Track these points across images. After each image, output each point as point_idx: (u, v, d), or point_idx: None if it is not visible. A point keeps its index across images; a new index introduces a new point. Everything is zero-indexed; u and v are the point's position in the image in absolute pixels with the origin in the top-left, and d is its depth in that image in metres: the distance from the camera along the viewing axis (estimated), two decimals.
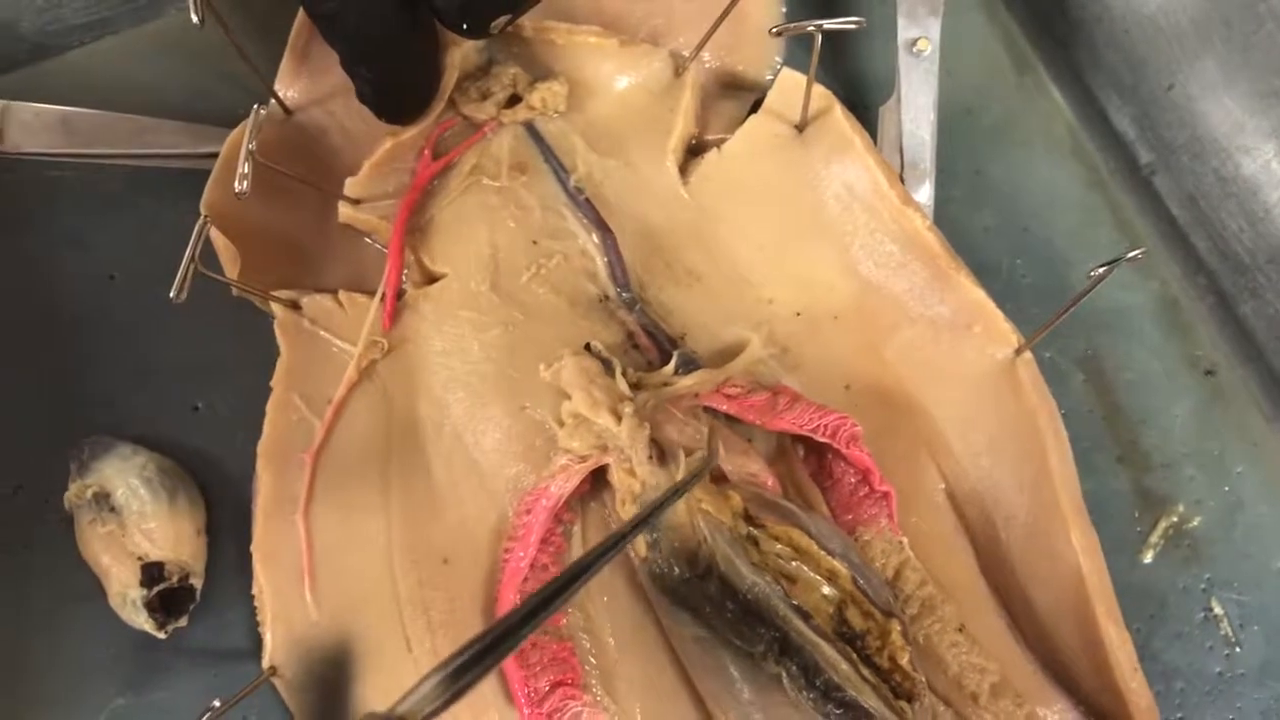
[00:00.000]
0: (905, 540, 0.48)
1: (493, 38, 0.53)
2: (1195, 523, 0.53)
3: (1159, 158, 0.57)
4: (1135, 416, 0.54)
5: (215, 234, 0.49)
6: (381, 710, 0.27)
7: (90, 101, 0.54)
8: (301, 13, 0.53)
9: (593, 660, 0.47)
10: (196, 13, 0.45)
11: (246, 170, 0.45)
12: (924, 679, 0.43)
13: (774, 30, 0.47)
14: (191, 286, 0.43)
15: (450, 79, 0.52)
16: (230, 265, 0.50)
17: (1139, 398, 0.54)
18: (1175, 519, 0.53)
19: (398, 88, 0.49)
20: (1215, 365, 0.55)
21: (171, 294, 0.43)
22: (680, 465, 0.45)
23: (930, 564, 0.48)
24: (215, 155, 0.52)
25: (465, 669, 0.28)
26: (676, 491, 0.40)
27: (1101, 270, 0.42)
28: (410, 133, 0.52)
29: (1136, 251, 0.43)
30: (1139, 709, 0.45)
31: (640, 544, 0.45)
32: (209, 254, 0.47)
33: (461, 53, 0.53)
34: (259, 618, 0.49)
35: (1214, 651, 0.51)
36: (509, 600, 0.46)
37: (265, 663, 0.48)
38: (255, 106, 0.47)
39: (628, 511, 0.46)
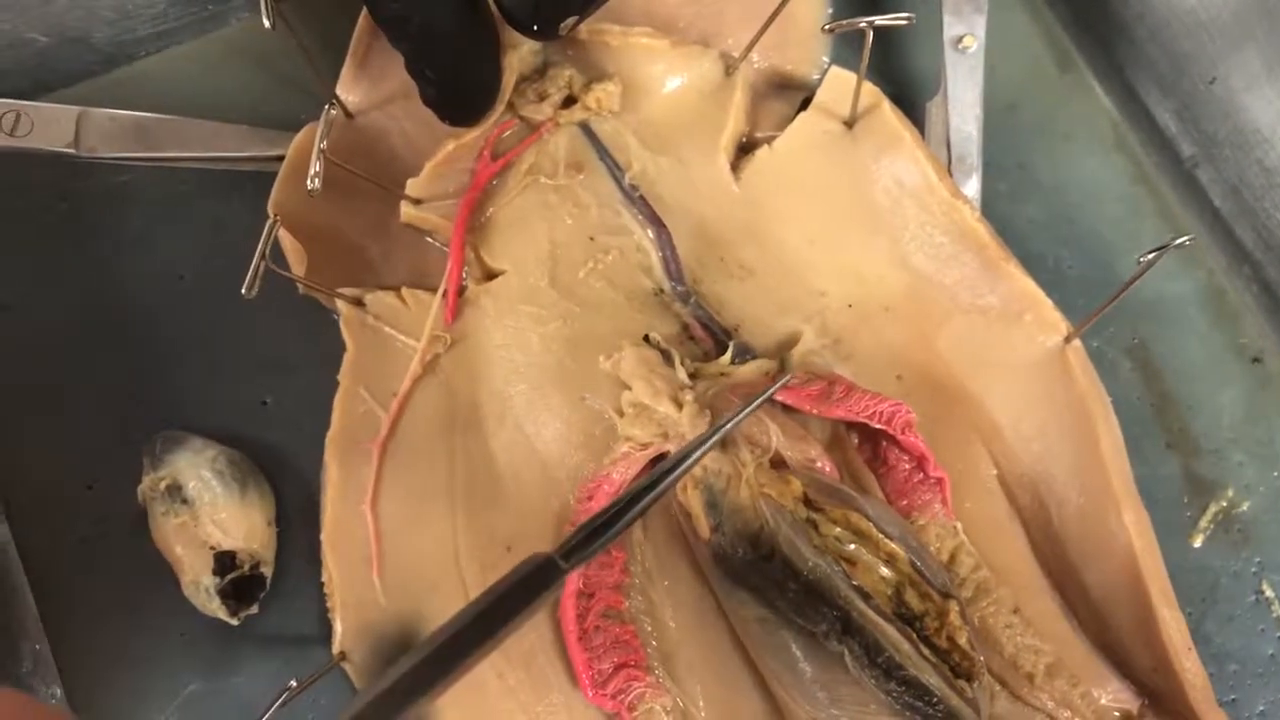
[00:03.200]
0: (959, 525, 0.49)
1: (551, 41, 0.55)
2: (1245, 507, 0.53)
3: (1202, 150, 0.57)
4: (1183, 404, 0.55)
5: (282, 233, 0.50)
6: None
7: (159, 107, 0.56)
8: (362, 19, 0.55)
9: (654, 643, 0.48)
10: (268, 17, 0.47)
11: (318, 169, 0.47)
12: (982, 659, 0.44)
13: (826, 28, 0.48)
14: (260, 284, 0.45)
15: (509, 81, 0.53)
16: (297, 264, 0.51)
17: (1187, 385, 0.55)
18: (1225, 504, 0.53)
19: (461, 90, 0.50)
20: (1262, 352, 0.55)
21: (243, 290, 0.45)
22: (741, 450, 0.46)
23: (984, 548, 0.49)
24: (280, 158, 0.53)
25: (605, 526, 0.37)
26: (721, 429, 0.42)
27: (1151, 256, 0.43)
28: (471, 135, 0.53)
29: (1185, 238, 0.44)
30: (1193, 688, 0.46)
31: (703, 526, 0.46)
32: (276, 253, 0.48)
33: (519, 55, 0.55)
34: (328, 605, 0.50)
35: (1266, 634, 0.52)
36: (573, 585, 0.47)
37: (335, 648, 0.49)
38: (326, 107, 0.48)
39: (689, 496, 0.47)
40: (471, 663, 0.34)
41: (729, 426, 0.42)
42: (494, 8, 0.48)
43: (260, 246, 0.46)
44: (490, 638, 0.34)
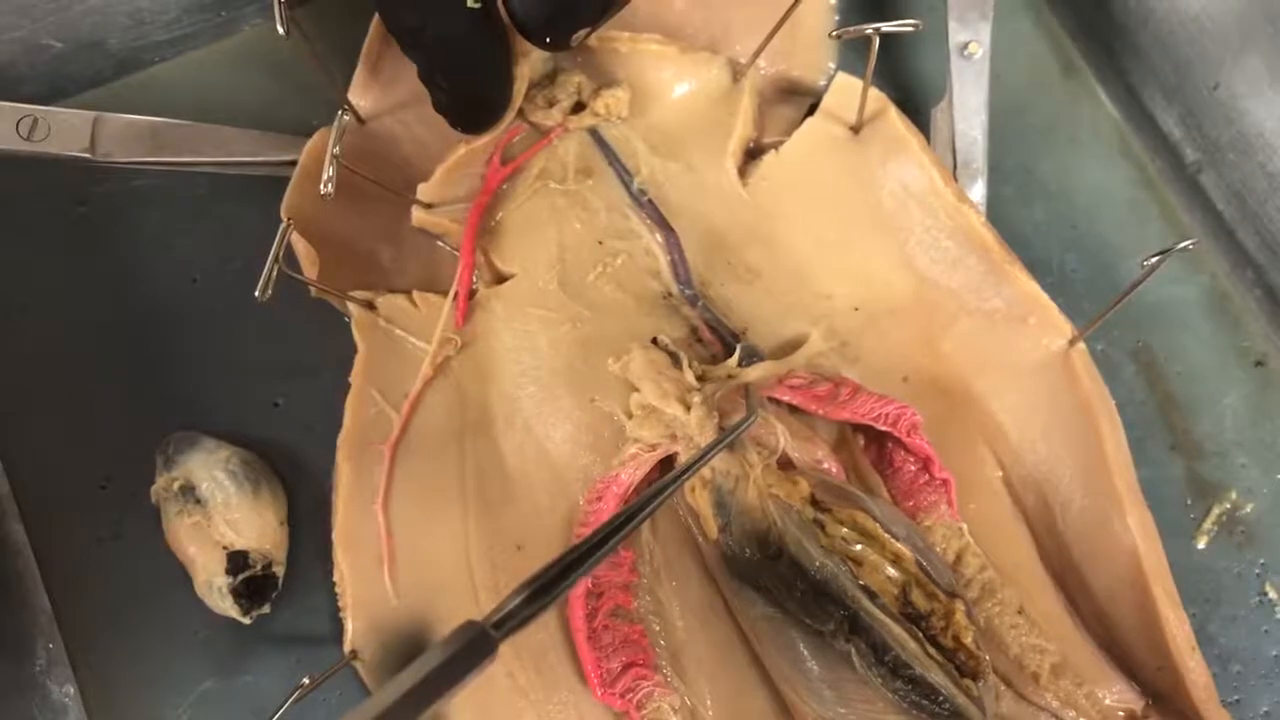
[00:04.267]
0: (965, 526, 0.50)
1: (563, 51, 0.56)
2: (1248, 509, 0.54)
3: (1205, 156, 0.58)
4: (1187, 406, 0.55)
5: (295, 237, 0.51)
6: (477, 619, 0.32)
7: (173, 113, 0.57)
8: (374, 26, 0.56)
9: (662, 642, 0.49)
10: (282, 24, 0.48)
11: (331, 173, 0.47)
12: (988, 658, 0.45)
13: (834, 34, 0.49)
14: (273, 287, 0.45)
15: (520, 89, 0.54)
16: (309, 267, 0.52)
17: (1190, 388, 0.55)
18: (1228, 506, 0.54)
19: (474, 99, 0.51)
20: (1265, 356, 0.56)
21: (256, 293, 0.45)
22: (748, 451, 0.47)
23: (989, 549, 0.50)
24: (293, 163, 0.54)
25: (544, 589, 0.34)
26: (728, 434, 0.43)
27: (1155, 259, 0.44)
28: (481, 140, 0.54)
29: (1189, 242, 0.45)
30: (1197, 687, 0.46)
31: (711, 526, 0.47)
32: (288, 256, 0.49)
33: (530, 63, 0.55)
34: (340, 604, 0.51)
35: (1270, 635, 0.52)
36: (582, 585, 0.48)
37: (347, 647, 0.50)
38: (339, 112, 0.49)
39: (697, 497, 0.47)
40: None
41: (679, 480, 0.39)
42: (506, 18, 0.49)
43: (274, 250, 0.46)
44: (419, 712, 0.33)
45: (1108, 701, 0.48)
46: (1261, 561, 0.53)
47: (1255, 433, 0.55)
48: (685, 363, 0.49)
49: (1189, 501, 0.54)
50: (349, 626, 0.50)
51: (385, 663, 0.50)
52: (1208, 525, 0.53)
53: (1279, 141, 0.54)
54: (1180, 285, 0.57)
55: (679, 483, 0.39)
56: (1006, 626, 0.48)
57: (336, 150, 0.48)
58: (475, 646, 0.33)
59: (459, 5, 0.46)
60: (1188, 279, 0.57)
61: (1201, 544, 0.53)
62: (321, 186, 0.47)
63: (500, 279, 0.54)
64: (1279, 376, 0.55)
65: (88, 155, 0.54)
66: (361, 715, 0.30)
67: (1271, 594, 0.52)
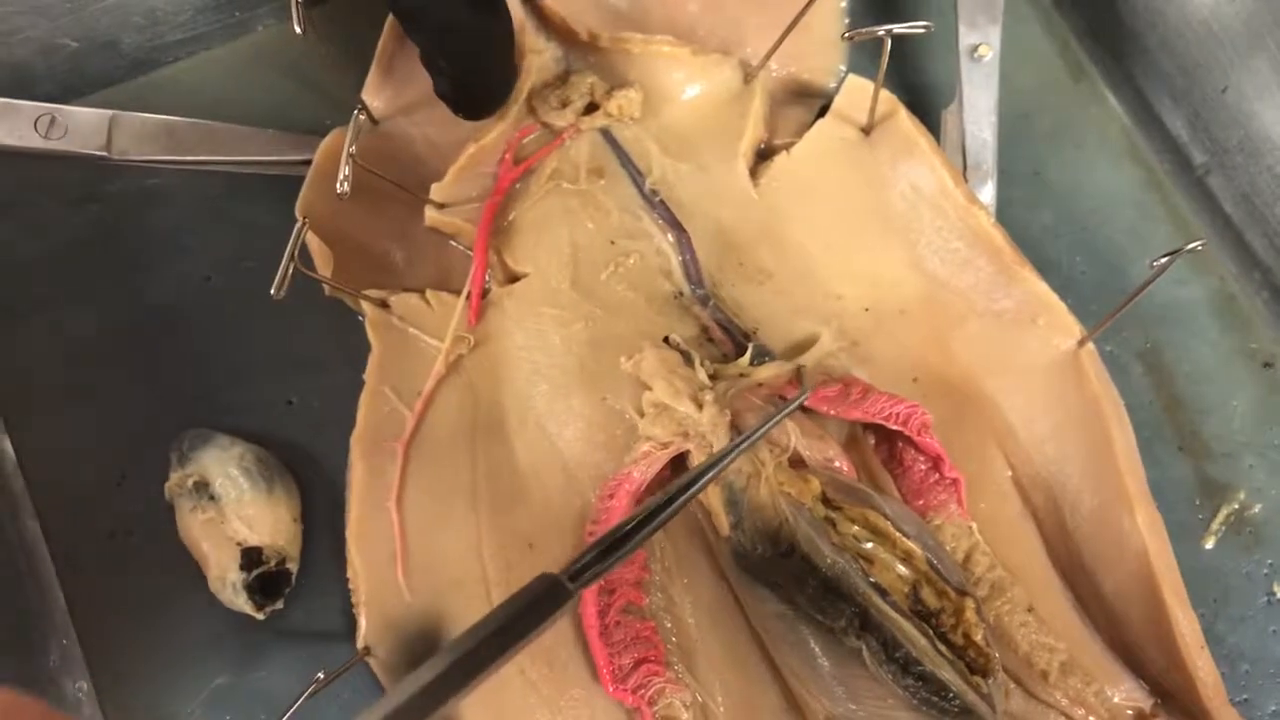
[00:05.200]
0: (974, 525, 0.50)
1: (571, 48, 0.56)
2: (1256, 510, 0.54)
3: (1213, 158, 0.58)
4: (1195, 407, 0.55)
5: (310, 236, 0.51)
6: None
7: (187, 112, 0.58)
8: (387, 27, 0.56)
9: (674, 639, 0.49)
10: (298, 23, 0.48)
11: (347, 173, 0.48)
12: (997, 655, 0.45)
13: (845, 36, 0.49)
14: (288, 285, 0.46)
15: (525, 83, 0.55)
16: (324, 265, 0.52)
17: (1198, 389, 0.56)
18: (1236, 506, 0.54)
19: (475, 83, 0.51)
20: (1273, 358, 0.56)
21: (272, 291, 0.46)
22: (760, 449, 0.47)
23: (999, 548, 0.50)
24: (306, 162, 0.55)
25: (617, 544, 0.38)
26: (737, 446, 0.43)
27: (1164, 260, 0.44)
28: (491, 137, 0.54)
29: (1197, 243, 0.45)
30: (1205, 686, 0.46)
31: (723, 523, 0.47)
32: (303, 255, 0.49)
33: (540, 62, 0.56)
34: (353, 600, 0.51)
35: (1278, 635, 0.52)
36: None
37: (359, 643, 0.50)
38: (354, 112, 0.50)
39: (709, 494, 0.48)
40: (481, 680, 0.35)
41: (745, 445, 0.43)
42: (510, 4, 0.50)
43: (289, 248, 0.47)
44: (501, 656, 0.35)
45: (1116, 700, 0.48)
46: (1269, 562, 0.53)
47: (1263, 434, 0.55)
48: (697, 362, 0.50)
49: (1197, 502, 0.54)
50: (362, 623, 0.50)
51: (398, 659, 0.50)
52: (1216, 526, 0.54)
53: None
54: (1188, 287, 0.57)
55: (744, 447, 0.42)
56: (1016, 625, 0.48)
57: (353, 150, 0.48)
58: (552, 595, 0.36)
59: None
60: (1196, 281, 0.57)
61: (1210, 544, 0.54)
62: (337, 186, 0.47)
63: (513, 278, 0.55)
64: None
65: (104, 153, 0.55)
66: (442, 659, 0.32)
67: (1279, 594, 0.53)
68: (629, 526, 0.39)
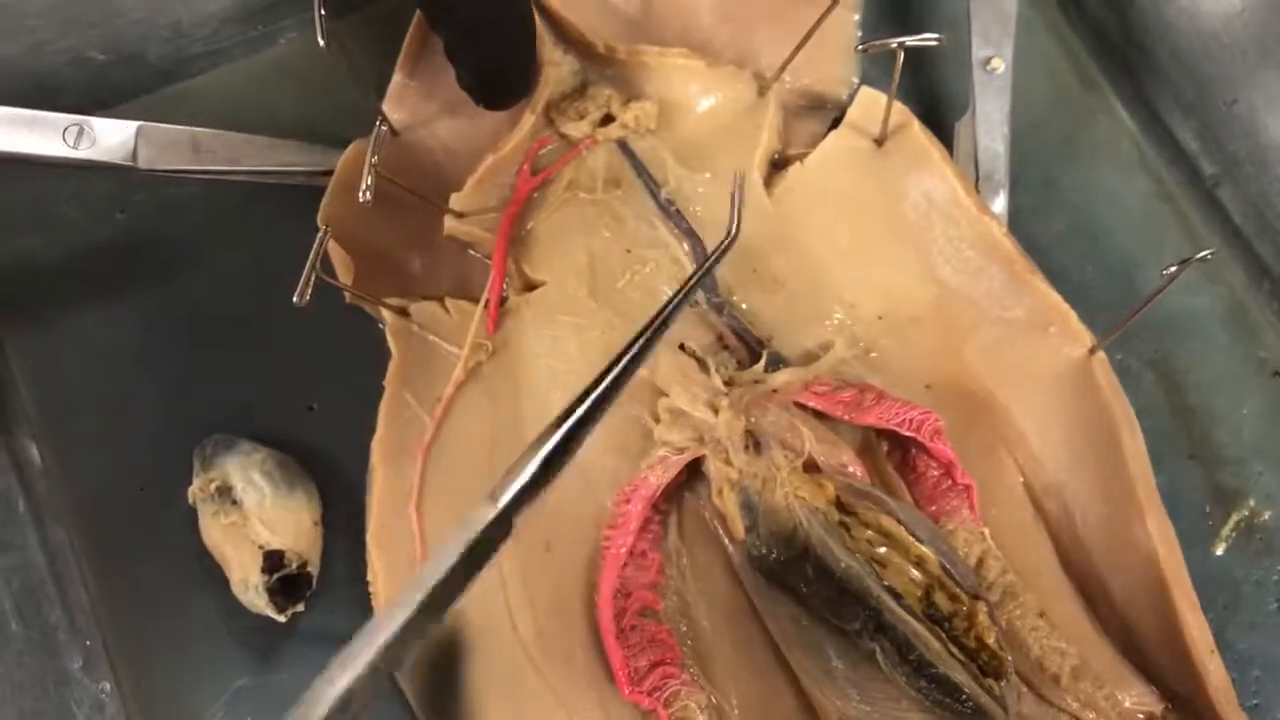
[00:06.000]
0: (986, 530, 0.51)
1: (588, 61, 0.57)
2: (1266, 517, 0.54)
3: (1223, 170, 0.59)
4: (1205, 415, 0.56)
5: (331, 244, 0.52)
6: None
7: (211, 123, 0.58)
8: (408, 40, 0.57)
9: (689, 642, 0.50)
10: (322, 36, 0.49)
11: (370, 182, 0.49)
12: (1010, 658, 0.46)
13: (859, 48, 0.50)
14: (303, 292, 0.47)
15: (543, 94, 0.55)
16: (345, 273, 0.53)
17: (1208, 397, 0.56)
18: (1246, 513, 0.54)
19: (496, 74, 0.52)
20: None
21: (295, 298, 0.47)
22: (775, 454, 0.48)
23: (1010, 553, 0.51)
24: (327, 173, 0.56)
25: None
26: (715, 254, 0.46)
27: (1174, 269, 0.45)
28: (509, 148, 0.55)
29: (1207, 252, 0.46)
30: (1216, 690, 0.47)
31: (738, 527, 0.48)
32: (324, 263, 0.50)
33: (557, 74, 0.57)
34: (373, 602, 0.52)
35: None
36: (610, 583, 0.49)
37: None
38: (378, 122, 0.51)
39: (724, 499, 0.48)
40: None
41: (675, 305, 0.43)
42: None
43: (311, 257, 0.48)
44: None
45: (1127, 704, 0.48)
46: (1279, 568, 0.54)
47: (1272, 441, 0.55)
48: (713, 368, 0.50)
49: (1207, 509, 0.55)
50: None
51: (416, 659, 0.51)
52: (1226, 532, 0.54)
53: None
54: (1198, 296, 0.58)
55: (651, 335, 0.42)
56: (1027, 629, 0.49)
57: (375, 159, 0.49)
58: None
59: None
60: (1206, 290, 0.58)
61: (1220, 551, 0.54)
62: (360, 195, 0.48)
63: (530, 286, 0.55)
64: None
65: (131, 164, 0.56)
66: (400, 609, 0.32)
67: None
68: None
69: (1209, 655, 0.47)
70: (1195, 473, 0.55)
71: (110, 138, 0.56)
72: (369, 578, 0.52)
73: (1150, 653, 0.49)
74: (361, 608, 0.52)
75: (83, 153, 0.55)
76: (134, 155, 0.56)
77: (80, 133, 0.55)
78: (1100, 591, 0.50)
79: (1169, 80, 0.60)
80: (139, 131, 0.56)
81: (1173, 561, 0.49)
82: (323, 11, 0.49)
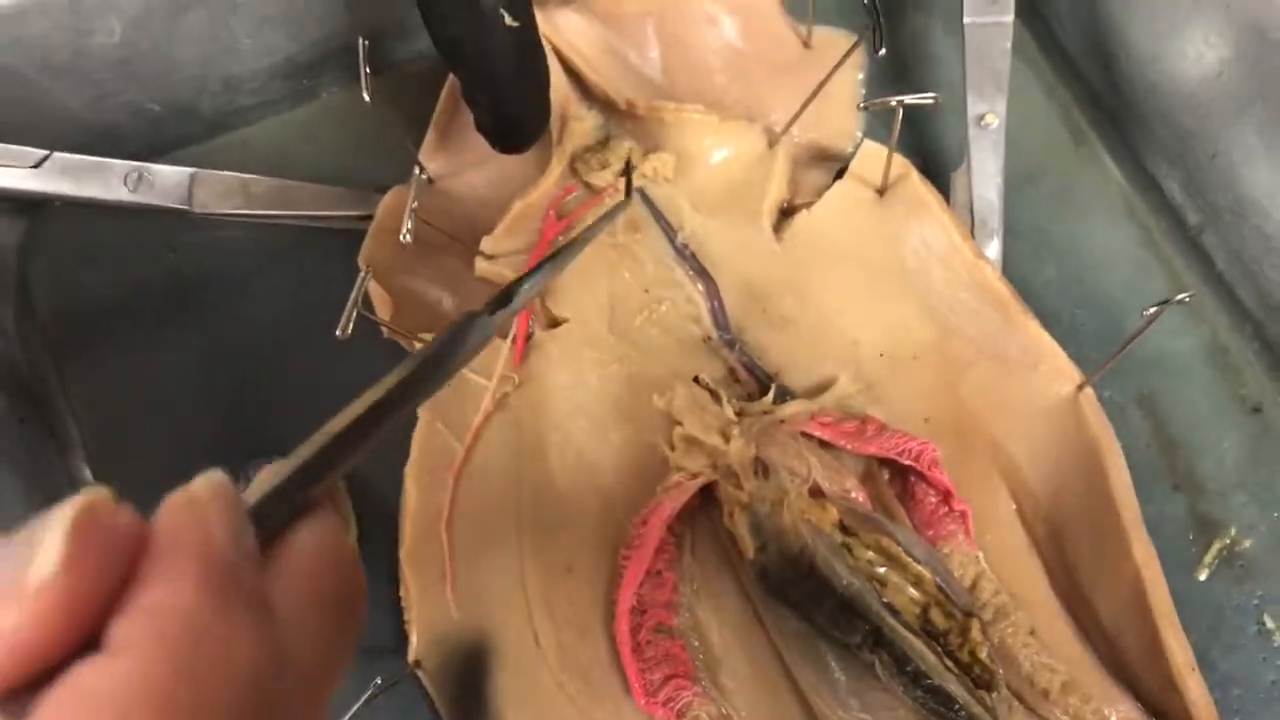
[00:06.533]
0: (981, 554, 0.54)
1: (611, 116, 0.61)
2: (1247, 545, 0.57)
3: (1205, 218, 0.62)
4: (1188, 449, 0.59)
5: (371, 283, 0.56)
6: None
7: (258, 170, 0.63)
8: (442, 99, 0.62)
9: (701, 657, 0.53)
10: (367, 91, 0.54)
11: (410, 225, 0.53)
12: (1001, 671, 0.49)
13: (861, 105, 0.54)
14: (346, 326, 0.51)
15: (568, 145, 0.60)
16: (383, 310, 0.57)
17: (1192, 432, 0.59)
18: (1228, 541, 0.57)
19: (511, 116, 0.55)
20: (1261, 403, 0.60)
21: (338, 332, 0.51)
22: (783, 479, 0.51)
23: (1003, 575, 0.54)
24: (367, 217, 0.60)
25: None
26: (608, 214, 0.48)
27: (1154, 309, 0.48)
28: (537, 195, 0.59)
29: (1185, 295, 0.49)
30: (1196, 705, 0.49)
31: (748, 547, 0.51)
32: (364, 300, 0.54)
33: (582, 128, 0.61)
34: (405, 617, 0.55)
35: (1268, 662, 0.55)
36: (628, 600, 0.52)
37: (411, 657, 0.54)
38: (415, 170, 0.55)
39: (736, 520, 0.52)
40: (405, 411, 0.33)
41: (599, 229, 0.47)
42: (555, 76, 0.55)
43: (354, 293, 0.51)
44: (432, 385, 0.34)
45: (1114, 718, 0.51)
46: (1260, 593, 0.56)
47: (1253, 474, 0.58)
48: (725, 399, 0.54)
49: (1191, 537, 0.57)
50: (413, 638, 0.54)
51: (446, 671, 0.54)
52: (1208, 559, 0.57)
53: (1272, 206, 0.58)
54: (1182, 337, 0.61)
55: (539, 280, 0.41)
56: (1019, 646, 0.52)
57: (415, 204, 0.53)
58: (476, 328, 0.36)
59: (497, 22, 0.50)
60: (1189, 332, 0.61)
61: (1203, 576, 0.57)
62: (401, 235, 0.52)
63: (555, 323, 0.59)
64: (1275, 422, 0.59)
65: (185, 207, 0.60)
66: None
67: (1269, 623, 0.56)
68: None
69: (1189, 672, 0.50)
70: (1179, 503, 0.58)
71: (167, 182, 0.60)
72: (401, 594, 0.55)
73: (1135, 670, 0.52)
74: (394, 622, 0.56)
75: (141, 197, 0.60)
76: (188, 199, 0.60)
77: (140, 178, 0.60)
78: (1088, 612, 0.53)
79: (1154, 135, 0.64)
80: (193, 177, 0.61)
81: (1156, 584, 0.51)
82: (367, 69, 0.53)
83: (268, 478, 0.28)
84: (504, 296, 0.38)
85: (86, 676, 0.21)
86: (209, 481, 0.26)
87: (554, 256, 0.42)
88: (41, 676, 0.20)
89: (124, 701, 0.20)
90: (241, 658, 0.23)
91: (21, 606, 0.20)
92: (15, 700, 0.20)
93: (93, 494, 0.22)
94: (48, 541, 0.21)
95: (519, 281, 0.39)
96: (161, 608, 0.22)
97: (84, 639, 0.21)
